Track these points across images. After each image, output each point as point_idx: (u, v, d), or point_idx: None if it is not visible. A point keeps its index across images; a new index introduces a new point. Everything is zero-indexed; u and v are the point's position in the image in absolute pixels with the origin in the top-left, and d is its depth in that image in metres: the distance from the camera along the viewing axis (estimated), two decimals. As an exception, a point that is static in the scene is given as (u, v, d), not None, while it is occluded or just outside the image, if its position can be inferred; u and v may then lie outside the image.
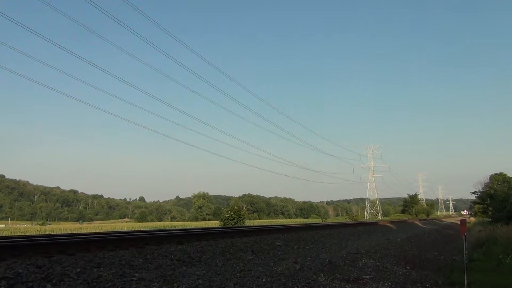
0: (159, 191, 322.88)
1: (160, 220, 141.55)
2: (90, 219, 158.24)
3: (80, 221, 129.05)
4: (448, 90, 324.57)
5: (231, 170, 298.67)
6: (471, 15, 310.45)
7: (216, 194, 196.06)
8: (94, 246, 7.72)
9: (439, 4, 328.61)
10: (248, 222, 44.78)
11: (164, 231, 12.98)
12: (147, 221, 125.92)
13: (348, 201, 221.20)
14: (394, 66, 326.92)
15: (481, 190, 44.39)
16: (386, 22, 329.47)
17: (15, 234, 24.78)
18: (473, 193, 44.55)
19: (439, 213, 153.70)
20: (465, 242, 9.22)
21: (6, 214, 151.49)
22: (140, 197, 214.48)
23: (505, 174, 52.69)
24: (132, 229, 25.14)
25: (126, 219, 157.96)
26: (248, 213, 78.99)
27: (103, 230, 41.93)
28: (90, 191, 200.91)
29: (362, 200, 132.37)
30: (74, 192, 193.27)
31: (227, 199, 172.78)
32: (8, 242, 7.39)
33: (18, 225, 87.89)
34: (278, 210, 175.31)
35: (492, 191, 36.95)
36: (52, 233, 29.90)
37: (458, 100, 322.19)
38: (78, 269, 6.00)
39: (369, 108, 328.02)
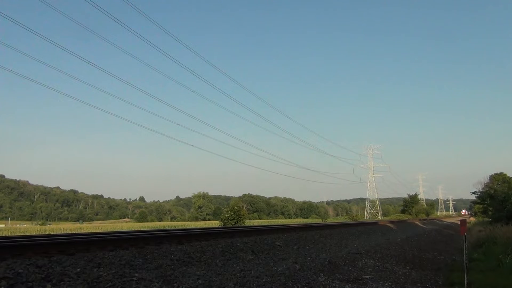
0: (159, 191, 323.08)
1: (160, 220, 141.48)
2: (90, 219, 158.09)
3: (80, 221, 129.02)
4: (448, 90, 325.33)
5: (231, 170, 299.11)
6: (472, 14, 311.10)
7: (216, 194, 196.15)
8: (94, 246, 7.70)
9: (440, 3, 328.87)
10: (248, 222, 44.76)
11: (164, 231, 12.96)
12: (147, 221, 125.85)
13: (348, 201, 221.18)
14: (394, 65, 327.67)
15: (481, 190, 44.31)
16: (386, 21, 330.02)
17: (15, 234, 24.77)
18: (473, 193, 44.48)
19: (439, 213, 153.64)
20: (465, 242, 9.22)
21: (6, 214, 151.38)
22: (140, 197, 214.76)
23: (505, 174, 52.58)
24: (132, 229, 25.13)
25: (126, 219, 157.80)
26: (248, 213, 78.93)
27: (103, 230, 41.91)
28: (90, 191, 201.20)
29: (362, 200, 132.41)
30: (74, 192, 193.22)
31: (227, 199, 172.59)
32: (8, 242, 7.38)
33: (18, 225, 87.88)
34: (278, 210, 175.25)
35: (492, 191, 36.93)
36: (52, 233, 29.90)
37: (458, 100, 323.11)
38: (78, 269, 6.00)
39: (369, 108, 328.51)
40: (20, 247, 6.58)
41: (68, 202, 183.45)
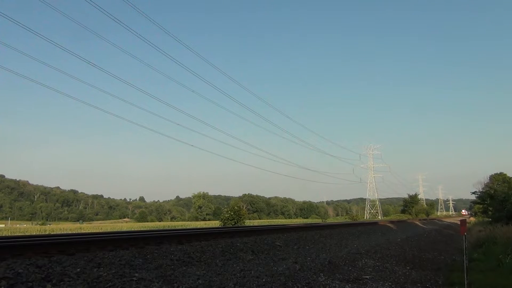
0: (159, 191, 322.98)
1: (160, 220, 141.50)
2: (90, 219, 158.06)
3: (80, 221, 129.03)
4: (448, 90, 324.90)
5: (231, 170, 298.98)
6: (472, 14, 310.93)
7: (216, 194, 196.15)
8: (94, 246, 7.70)
9: (440, 4, 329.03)
10: (248, 222, 44.77)
11: (164, 231, 12.96)
12: (147, 221, 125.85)
13: (348, 201, 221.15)
14: (394, 65, 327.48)
15: (481, 190, 44.32)
16: (386, 21, 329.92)
17: (15, 234, 24.77)
18: (473, 193, 44.51)
19: (439, 213, 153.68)
20: (465, 242, 9.22)
21: (6, 214, 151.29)
22: (140, 197, 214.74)
23: (505, 174, 52.58)
24: (132, 229, 25.13)
25: (126, 219, 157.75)
26: (248, 213, 78.99)
27: (103, 230, 41.93)
28: (90, 191, 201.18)
29: (362, 200, 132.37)
30: (74, 192, 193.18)
31: (227, 199, 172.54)
32: (8, 242, 7.38)
33: (18, 225, 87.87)
34: (278, 210, 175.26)
35: (492, 191, 36.93)
36: (52, 233, 29.90)
37: (458, 100, 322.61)
38: (78, 269, 6.00)
39: (369, 108, 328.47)
40: (20, 247, 6.58)
41: (68, 202, 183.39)
